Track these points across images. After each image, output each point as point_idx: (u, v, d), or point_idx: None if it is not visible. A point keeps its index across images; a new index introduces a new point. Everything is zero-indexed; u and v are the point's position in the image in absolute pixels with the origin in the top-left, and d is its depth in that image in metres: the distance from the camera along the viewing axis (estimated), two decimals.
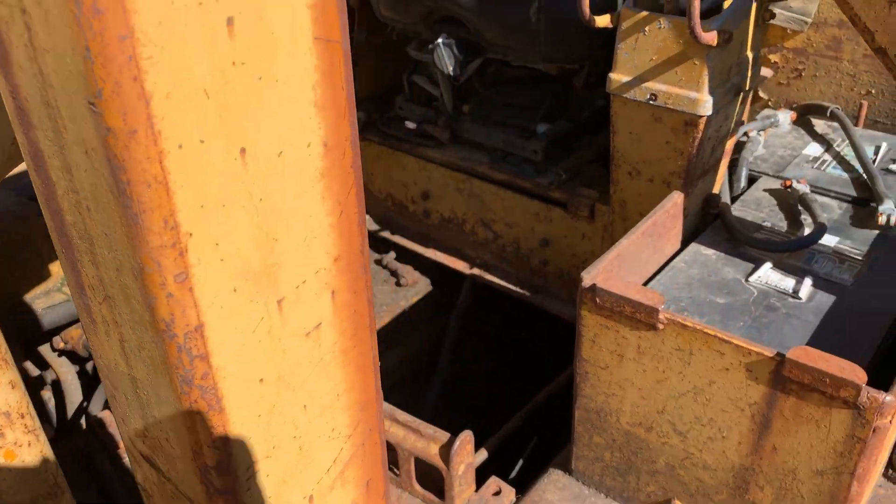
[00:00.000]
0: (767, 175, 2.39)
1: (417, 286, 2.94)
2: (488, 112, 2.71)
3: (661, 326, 1.62)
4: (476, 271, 2.80)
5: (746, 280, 1.94)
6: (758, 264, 1.99)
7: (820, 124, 2.65)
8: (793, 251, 2.01)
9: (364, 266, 0.84)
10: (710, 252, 2.05)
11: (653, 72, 1.91)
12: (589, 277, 1.72)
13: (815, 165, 2.41)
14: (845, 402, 1.43)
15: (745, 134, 2.51)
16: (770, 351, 1.50)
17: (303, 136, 0.72)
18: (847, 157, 2.44)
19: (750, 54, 1.98)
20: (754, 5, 1.90)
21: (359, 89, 3.05)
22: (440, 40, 2.43)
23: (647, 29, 1.88)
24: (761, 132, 2.52)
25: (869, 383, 1.58)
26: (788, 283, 1.92)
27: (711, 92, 1.88)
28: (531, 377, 2.56)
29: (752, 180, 2.40)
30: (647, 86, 1.94)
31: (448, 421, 2.78)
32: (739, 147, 2.46)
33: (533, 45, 2.23)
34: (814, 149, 2.51)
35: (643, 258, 1.95)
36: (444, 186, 2.80)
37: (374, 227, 3.09)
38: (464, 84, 2.65)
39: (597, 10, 2.05)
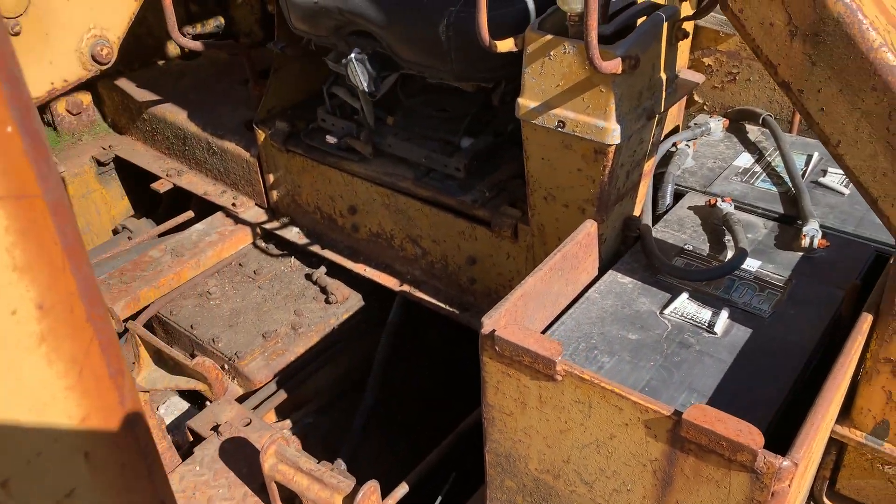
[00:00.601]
0: (694, 190, 2.31)
1: (348, 302, 2.84)
2: (413, 124, 2.60)
3: (559, 378, 1.55)
4: (406, 288, 2.71)
5: (661, 312, 1.87)
6: (675, 294, 1.92)
7: (754, 131, 2.57)
8: (710, 280, 1.94)
9: (131, 408, 0.75)
10: (626, 281, 1.97)
11: (560, 98, 1.81)
12: (490, 322, 1.64)
13: (745, 178, 2.34)
14: (743, 466, 1.37)
15: (674, 145, 2.43)
16: (667, 409, 1.43)
17: (4, 303, 0.63)
18: (777, 169, 2.36)
19: (664, 75, 1.88)
20: (665, 25, 1.80)
21: (283, 98, 2.93)
22: (353, 55, 2.31)
23: (552, 53, 1.78)
24: (690, 142, 2.43)
25: (776, 433, 1.52)
26: (705, 315, 1.85)
27: (620, 119, 1.78)
28: (463, 395, 2.49)
29: (678, 195, 2.32)
30: (555, 112, 1.84)
31: (377, 443, 2.71)
32: (667, 159, 2.38)
33: (444, 63, 2.12)
34: (745, 159, 2.43)
35: (554, 292, 1.87)
36: (371, 201, 2.69)
37: (304, 240, 2.99)
38: (387, 94, 2.53)
39: (507, 30, 1.95)
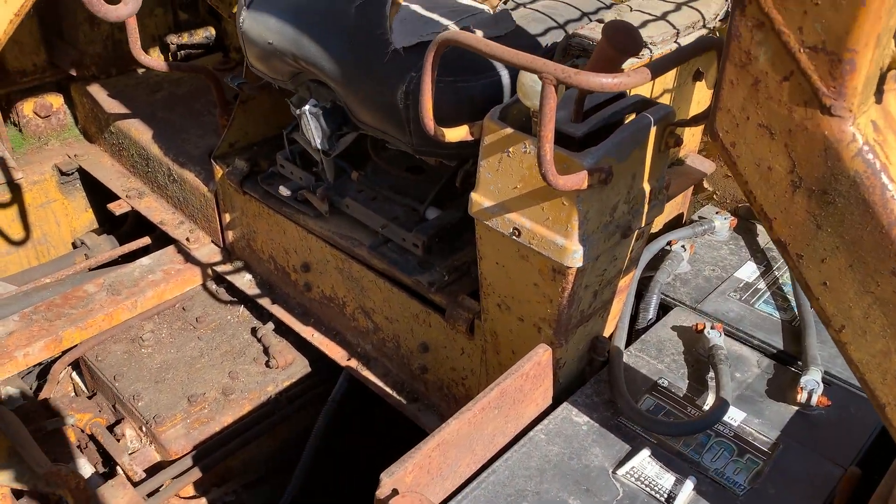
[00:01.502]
0: (683, 305, 1.98)
1: (291, 368, 2.55)
2: (379, 181, 2.29)
3: None
4: (354, 363, 2.41)
5: (615, 472, 1.54)
6: (635, 447, 1.59)
7: (764, 234, 2.22)
8: (680, 436, 1.61)
9: None
10: (581, 421, 1.65)
11: (517, 202, 1.50)
12: (389, 482, 1.33)
13: (745, 296, 2.00)
14: None
15: (669, 243, 2.10)
16: None
17: None
18: (785, 288, 2.02)
19: (647, 186, 1.56)
20: (653, 130, 1.47)
21: (249, 132, 2.64)
22: (307, 107, 2.02)
23: (511, 150, 1.46)
24: (687, 243, 2.10)
25: None
26: (666, 481, 1.52)
27: (585, 238, 1.46)
28: None
29: (665, 308, 1.99)
30: (511, 217, 1.52)
31: None
32: (659, 260, 2.05)
33: (402, 133, 1.82)
34: (748, 271, 2.09)
35: (488, 432, 1.56)
36: (324, 262, 2.39)
37: (255, 290, 2.70)
38: (356, 144, 2.23)
39: (474, 104, 1.64)
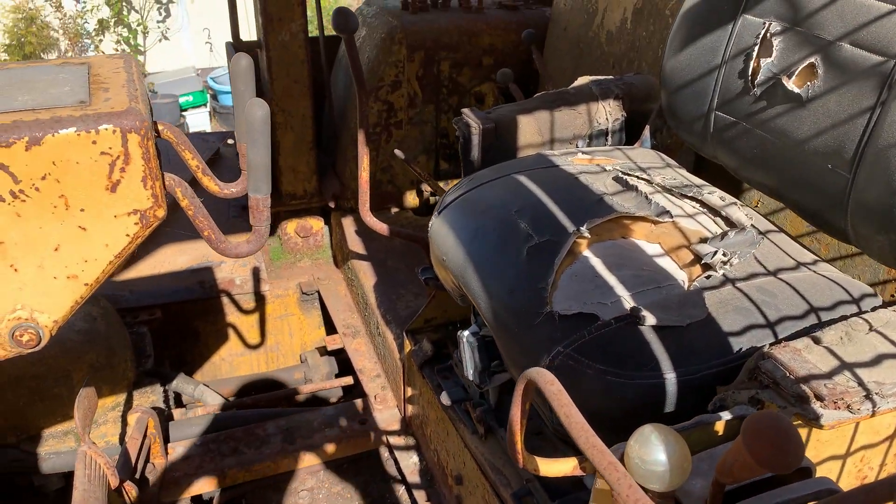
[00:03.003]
0: None
1: None
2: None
3: None
4: None
5: None
6: None
7: None
8: None
9: None
10: None
11: None
12: None
13: None
14: None
15: None
16: None
17: None
18: None
19: None
20: None
21: (449, 310, 2.52)
22: (466, 333, 1.83)
23: None
24: None
25: None
26: None
27: None
28: None
29: None
30: None
31: None
32: None
33: (542, 408, 1.53)
34: None
35: None
36: (474, 485, 2.14)
37: (415, 478, 2.53)
38: None
39: (609, 413, 1.32)
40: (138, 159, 1.18)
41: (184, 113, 9.35)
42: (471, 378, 1.86)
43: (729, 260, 1.58)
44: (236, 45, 3.41)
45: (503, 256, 1.67)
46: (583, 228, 1.64)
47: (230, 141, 4.04)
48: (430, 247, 2.00)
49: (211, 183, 1.48)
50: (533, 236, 1.66)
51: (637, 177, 1.90)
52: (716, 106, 1.87)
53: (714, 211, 1.76)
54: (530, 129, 2.27)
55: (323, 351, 3.59)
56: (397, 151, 2.63)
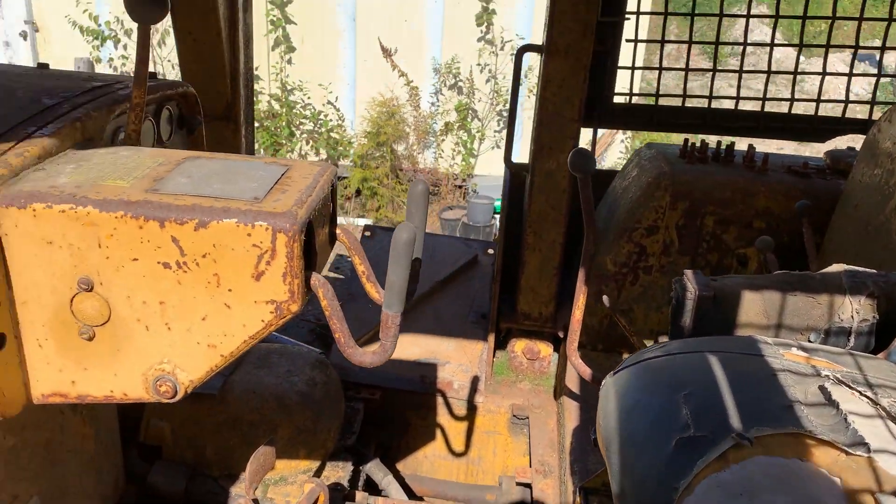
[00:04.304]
0: None
1: None
2: None
3: None
4: None
5: None
6: None
7: None
8: None
9: None
10: None
11: None
12: None
13: None
14: None
15: None
16: None
17: None
18: None
19: None
20: None
21: None
22: None
23: None
24: None
25: None
26: None
27: None
28: None
29: None
30: None
31: None
32: None
33: None
34: None
35: None
36: None
37: None
38: None
39: None
40: (282, 256, 1.29)
41: (495, 215, 9.95)
42: None
43: None
44: (508, 165, 3.59)
45: (649, 440, 1.50)
46: (747, 434, 1.41)
47: (490, 251, 4.21)
48: (599, 405, 1.87)
49: (373, 290, 1.56)
50: (690, 427, 1.47)
51: (859, 392, 1.60)
52: None
53: None
54: (755, 308, 2.04)
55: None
56: (605, 298, 2.52)
